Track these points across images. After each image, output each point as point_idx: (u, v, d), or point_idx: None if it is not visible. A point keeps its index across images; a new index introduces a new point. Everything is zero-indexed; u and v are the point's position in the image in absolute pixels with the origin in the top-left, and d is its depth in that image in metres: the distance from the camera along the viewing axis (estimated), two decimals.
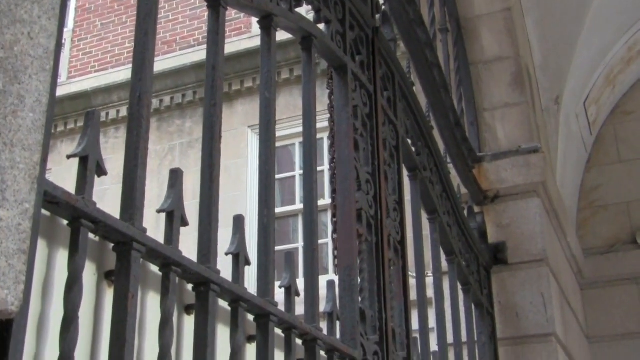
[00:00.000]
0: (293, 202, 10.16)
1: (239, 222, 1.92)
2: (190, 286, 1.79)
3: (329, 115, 2.78)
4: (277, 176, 10.42)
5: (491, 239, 4.71)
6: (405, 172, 3.30)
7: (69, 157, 1.54)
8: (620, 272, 6.52)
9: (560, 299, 5.00)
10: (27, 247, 1.00)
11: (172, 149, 10.96)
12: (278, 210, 10.14)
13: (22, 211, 0.99)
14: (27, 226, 1.00)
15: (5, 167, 0.95)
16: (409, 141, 3.42)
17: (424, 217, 3.65)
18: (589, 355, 6.19)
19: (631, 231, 6.65)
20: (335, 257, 2.56)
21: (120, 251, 1.56)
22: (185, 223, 1.72)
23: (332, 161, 2.66)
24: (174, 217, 1.70)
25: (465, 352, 3.88)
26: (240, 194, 10.04)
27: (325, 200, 7.38)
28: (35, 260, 1.23)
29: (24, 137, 1.00)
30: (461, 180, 4.49)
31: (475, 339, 4.13)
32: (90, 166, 1.50)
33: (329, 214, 2.64)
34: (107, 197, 7.01)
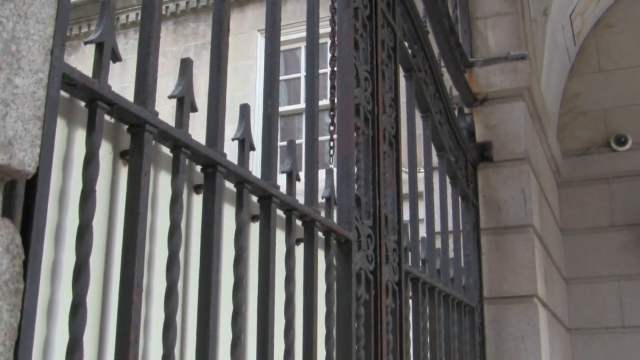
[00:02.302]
0: (298, 102, 10.12)
1: (245, 110, 1.89)
2: (198, 167, 1.78)
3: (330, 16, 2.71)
4: (283, 77, 10.39)
5: (479, 138, 4.69)
6: (401, 73, 3.25)
7: (86, 43, 1.50)
8: (594, 172, 6.53)
9: (539, 195, 5.01)
10: (42, 114, 0.97)
11: (187, 50, 10.84)
12: (284, 108, 10.15)
13: (37, 80, 0.96)
14: (42, 94, 0.97)
15: (20, 37, 0.92)
16: (406, 44, 3.36)
17: (418, 115, 3.62)
18: (562, 245, 6.25)
19: (606, 136, 6.63)
20: (331, 147, 2.53)
21: (134, 132, 1.55)
22: (194, 109, 1.69)
23: (332, 59, 2.61)
24: (184, 103, 1.67)
25: (450, 239, 3.91)
26: (249, 92, 9.97)
27: (327, 101, 7.35)
28: (54, 131, 1.20)
29: (37, 10, 0.96)
30: (453, 83, 4.44)
31: (461, 228, 4.15)
32: (105, 52, 1.47)
33: None
34: (127, 95, 6.96)
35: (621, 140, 6.54)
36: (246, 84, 10.09)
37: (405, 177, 3.09)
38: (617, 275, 6.24)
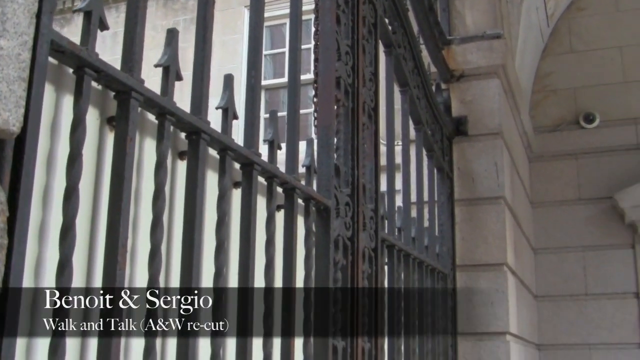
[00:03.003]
0: (283, 75, 10.08)
1: (229, 80, 1.88)
2: (183, 135, 1.76)
3: None
4: (269, 52, 10.32)
5: (455, 112, 4.68)
6: (381, 48, 3.23)
7: (74, 11, 1.48)
8: (564, 148, 6.56)
9: (511, 168, 5.02)
10: (27, 75, 0.96)
11: (176, 24, 10.74)
12: (269, 82, 10.11)
13: (22, 42, 0.94)
14: (27, 57, 0.96)
15: (5, 0, 0.90)
16: (386, 20, 3.33)
17: (396, 90, 3.60)
18: (531, 216, 6.29)
19: (575, 113, 6.65)
20: (315, 118, 2.52)
21: (120, 99, 1.53)
22: (179, 77, 1.67)
23: (316, 33, 2.59)
24: (170, 72, 1.65)
25: (425, 209, 3.91)
26: (235, 66, 9.91)
27: (310, 75, 7.33)
28: (42, 95, 1.19)
29: None
30: (431, 60, 4.41)
31: (436, 198, 4.16)
32: (93, 20, 1.45)
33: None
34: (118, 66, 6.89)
35: (590, 118, 6.56)
36: (233, 57, 10.04)
37: (383, 149, 3.08)
38: (582, 246, 6.30)
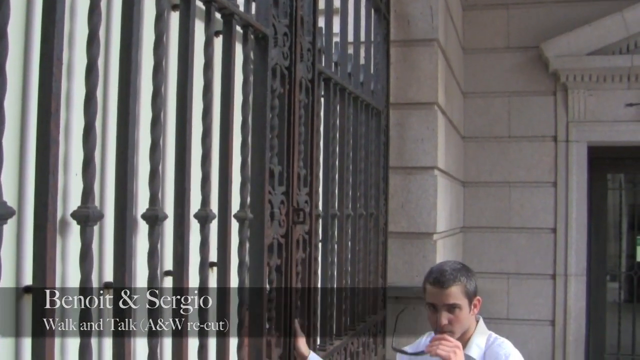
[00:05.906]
0: None
1: None
2: None
3: None
4: None
5: None
6: None
7: None
8: None
9: (445, 14, 4.95)
10: None
11: None
12: None
13: None
14: None
15: None
16: None
17: None
18: (462, 62, 6.29)
19: None
20: None
21: None
22: None
23: None
24: None
25: (362, 49, 3.85)
26: None
27: None
28: None
29: None
30: None
31: (372, 39, 4.08)
32: None
33: None
34: None
35: None
36: None
37: None
38: (508, 91, 6.37)
